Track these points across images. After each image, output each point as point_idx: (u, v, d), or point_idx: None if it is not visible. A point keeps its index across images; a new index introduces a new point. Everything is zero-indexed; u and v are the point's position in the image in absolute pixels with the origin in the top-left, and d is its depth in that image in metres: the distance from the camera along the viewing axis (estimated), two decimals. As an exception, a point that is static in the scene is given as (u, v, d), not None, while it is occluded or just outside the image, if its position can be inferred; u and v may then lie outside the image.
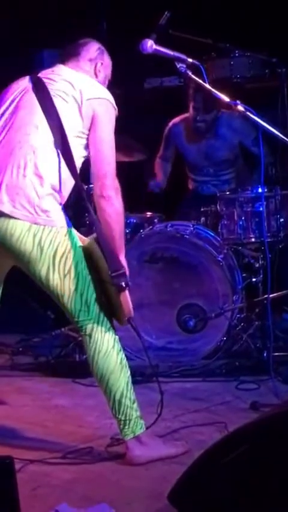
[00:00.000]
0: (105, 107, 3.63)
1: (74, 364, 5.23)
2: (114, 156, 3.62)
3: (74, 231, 3.61)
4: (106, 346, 3.56)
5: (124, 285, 3.50)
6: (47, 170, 3.54)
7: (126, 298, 3.53)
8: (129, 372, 3.62)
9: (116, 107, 3.69)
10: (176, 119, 6.16)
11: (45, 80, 3.68)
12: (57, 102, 3.60)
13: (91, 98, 3.61)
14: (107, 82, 3.89)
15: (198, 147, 6.00)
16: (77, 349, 5.27)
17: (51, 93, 3.62)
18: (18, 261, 3.60)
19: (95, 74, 3.82)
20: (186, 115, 6.06)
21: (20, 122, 3.62)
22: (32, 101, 3.64)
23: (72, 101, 3.59)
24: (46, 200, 3.52)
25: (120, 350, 3.59)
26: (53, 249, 3.50)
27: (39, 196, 3.50)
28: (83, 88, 3.62)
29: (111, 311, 3.62)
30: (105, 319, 3.58)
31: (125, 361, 3.60)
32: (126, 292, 3.52)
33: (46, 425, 4.20)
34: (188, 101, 5.87)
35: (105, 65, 3.88)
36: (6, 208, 3.49)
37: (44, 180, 3.52)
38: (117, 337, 3.61)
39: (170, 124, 6.18)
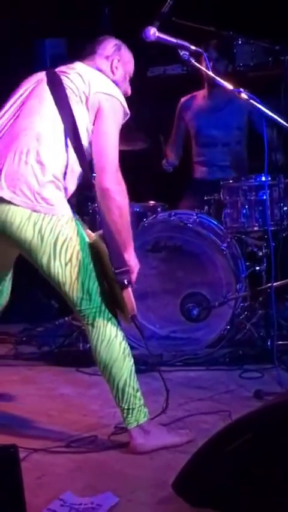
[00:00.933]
0: (111, 103, 3.61)
1: (78, 354, 5.23)
2: (116, 151, 3.57)
3: (81, 224, 3.60)
4: (109, 335, 3.56)
5: (126, 283, 3.49)
6: (50, 158, 3.52)
7: (129, 296, 3.52)
8: (132, 361, 3.61)
9: (126, 108, 3.67)
10: (186, 96, 6.24)
11: (59, 73, 3.69)
12: (69, 94, 3.60)
13: (99, 91, 3.60)
14: (128, 78, 3.89)
15: (209, 110, 6.04)
16: (81, 338, 5.27)
17: (64, 84, 3.62)
18: (20, 248, 3.60)
19: (112, 72, 3.80)
20: (195, 93, 6.16)
21: (28, 110, 3.62)
22: (44, 91, 3.65)
23: (81, 94, 3.59)
24: (47, 188, 3.50)
25: (123, 339, 3.59)
26: (54, 237, 3.48)
27: (40, 183, 3.49)
28: (91, 81, 3.62)
29: (116, 306, 3.62)
30: (107, 308, 3.58)
31: (128, 350, 3.60)
32: (129, 289, 3.51)
33: (50, 414, 4.21)
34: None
35: (124, 61, 3.85)
36: (6, 195, 3.48)
37: (46, 167, 3.50)
38: (120, 326, 3.61)
39: (181, 100, 6.27)
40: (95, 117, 3.60)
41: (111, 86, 3.69)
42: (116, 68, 3.81)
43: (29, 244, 3.51)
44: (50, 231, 3.48)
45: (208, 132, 6.08)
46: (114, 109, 3.62)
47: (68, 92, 3.61)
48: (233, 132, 6.02)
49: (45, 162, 3.51)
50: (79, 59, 3.80)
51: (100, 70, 3.76)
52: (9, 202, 3.48)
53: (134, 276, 3.64)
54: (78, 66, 3.74)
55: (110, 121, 3.58)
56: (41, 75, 3.73)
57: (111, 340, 3.56)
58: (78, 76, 3.64)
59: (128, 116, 3.70)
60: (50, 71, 3.75)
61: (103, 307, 3.56)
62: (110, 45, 3.83)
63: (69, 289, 3.57)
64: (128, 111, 3.68)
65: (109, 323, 3.56)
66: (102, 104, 3.59)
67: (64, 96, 3.59)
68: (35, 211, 3.48)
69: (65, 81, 3.64)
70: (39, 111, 3.60)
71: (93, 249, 3.56)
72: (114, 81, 3.76)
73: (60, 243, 3.49)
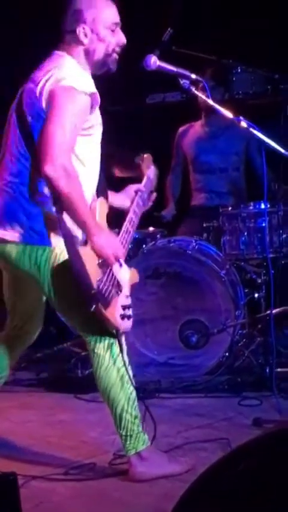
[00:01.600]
0: (57, 92, 3.39)
1: (76, 380, 5.24)
2: (61, 137, 3.31)
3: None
4: (107, 361, 3.55)
5: (93, 310, 3.34)
6: (32, 187, 3.49)
7: (104, 315, 3.41)
8: (132, 388, 3.60)
9: (82, 89, 3.41)
10: (183, 126, 6.28)
11: (25, 89, 3.56)
12: (27, 112, 3.50)
13: (47, 89, 3.42)
14: (113, 27, 3.59)
15: (207, 136, 6.09)
16: (79, 364, 5.28)
17: (24, 103, 3.51)
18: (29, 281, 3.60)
19: (81, 42, 3.56)
20: (193, 123, 6.23)
21: (6, 144, 3.60)
22: (11, 119, 3.59)
23: (38, 109, 3.46)
24: (36, 218, 3.48)
25: (122, 366, 3.58)
26: (49, 269, 3.47)
27: (28, 215, 3.48)
28: (47, 83, 3.44)
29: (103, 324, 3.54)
30: (108, 335, 3.56)
31: (127, 377, 3.59)
32: (102, 311, 3.38)
33: (49, 440, 4.20)
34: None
35: (92, 20, 3.56)
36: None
37: (30, 197, 3.48)
38: (122, 352, 3.59)
39: (179, 130, 6.32)
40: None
41: (61, 75, 3.42)
42: (85, 34, 3.55)
43: (31, 276, 3.53)
44: (45, 262, 3.46)
45: (205, 158, 6.11)
46: (62, 97, 3.38)
47: (27, 110, 3.50)
48: (230, 158, 6.05)
49: (29, 192, 3.48)
50: (56, 46, 3.63)
51: (69, 48, 3.58)
52: (2, 239, 3.50)
53: (119, 255, 3.52)
54: (47, 66, 3.52)
55: (53, 108, 3.36)
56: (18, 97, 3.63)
57: (109, 365, 3.55)
58: (33, 86, 3.48)
59: (94, 93, 3.46)
60: (20, 93, 3.61)
61: (103, 334, 3.56)
62: (69, 17, 3.59)
63: (68, 318, 3.59)
64: (89, 89, 3.44)
65: (109, 349, 3.56)
66: (49, 99, 3.41)
67: (25, 120, 3.49)
68: (27, 243, 3.48)
69: (25, 99, 3.52)
70: (12, 143, 3.55)
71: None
72: (86, 50, 3.58)
73: (55, 274, 3.46)
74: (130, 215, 3.86)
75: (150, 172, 4.19)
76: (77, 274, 3.33)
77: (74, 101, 3.38)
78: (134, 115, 6.99)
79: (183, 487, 2.63)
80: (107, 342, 3.55)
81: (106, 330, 3.52)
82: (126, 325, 3.53)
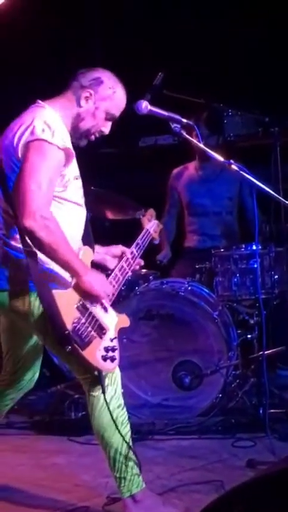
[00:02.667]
0: (32, 147, 3.41)
1: (70, 422, 5.22)
2: (36, 190, 3.33)
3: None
4: (101, 403, 3.55)
5: (68, 350, 3.35)
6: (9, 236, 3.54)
7: (82, 357, 3.42)
8: (126, 429, 3.60)
9: (57, 144, 3.43)
10: (178, 168, 6.30)
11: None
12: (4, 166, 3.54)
13: (23, 144, 3.45)
14: (107, 117, 3.69)
15: (201, 180, 6.10)
16: (73, 406, 5.27)
17: (3, 153, 3.55)
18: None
19: (78, 103, 3.64)
20: (186, 165, 6.21)
21: None
22: None
23: (13, 160, 3.50)
24: (6, 266, 3.53)
25: (117, 407, 3.58)
26: (39, 314, 3.49)
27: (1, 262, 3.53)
28: (19, 137, 3.47)
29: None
30: (103, 377, 3.57)
31: (121, 418, 3.59)
32: (79, 351, 3.39)
33: (42, 484, 4.18)
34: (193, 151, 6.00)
35: (101, 97, 3.66)
36: None
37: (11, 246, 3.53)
38: (116, 394, 3.60)
39: (173, 172, 6.35)
40: None
41: (38, 128, 3.43)
42: (86, 100, 3.64)
43: (20, 324, 3.60)
44: (37, 308, 3.47)
45: (200, 201, 6.15)
46: (35, 151, 3.41)
47: (4, 162, 3.53)
48: (223, 203, 6.09)
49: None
50: (43, 96, 3.67)
51: (65, 100, 3.64)
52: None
53: (108, 292, 3.59)
54: (24, 118, 3.54)
55: (28, 164, 3.39)
56: None
57: (103, 407, 3.55)
58: (16, 136, 3.48)
59: (67, 148, 3.49)
60: None
61: (86, 374, 3.57)
62: (90, 77, 3.68)
63: (62, 361, 3.62)
64: (63, 144, 3.46)
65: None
66: (24, 152, 3.44)
67: (2, 167, 3.53)
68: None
69: (3, 153, 3.55)
70: None
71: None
72: (78, 113, 3.64)
73: (37, 319, 3.49)
74: (115, 272, 3.89)
75: (150, 225, 4.25)
76: (49, 316, 3.36)
77: (47, 155, 3.41)
78: (126, 158, 7.06)
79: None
80: (102, 383, 3.55)
81: (88, 370, 3.52)
82: (108, 366, 3.53)
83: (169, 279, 5.58)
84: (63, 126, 3.59)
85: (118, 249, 4.01)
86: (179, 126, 3.84)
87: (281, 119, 5.32)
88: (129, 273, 3.97)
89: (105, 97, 3.67)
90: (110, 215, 5.16)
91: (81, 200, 3.70)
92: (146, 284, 5.55)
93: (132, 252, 4.01)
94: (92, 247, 3.77)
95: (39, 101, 3.63)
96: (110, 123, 3.73)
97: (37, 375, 3.96)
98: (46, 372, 6.23)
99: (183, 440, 4.91)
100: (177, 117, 3.84)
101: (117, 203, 5.11)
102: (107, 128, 3.73)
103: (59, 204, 3.54)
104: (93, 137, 3.72)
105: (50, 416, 5.40)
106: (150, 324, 5.52)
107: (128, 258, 3.96)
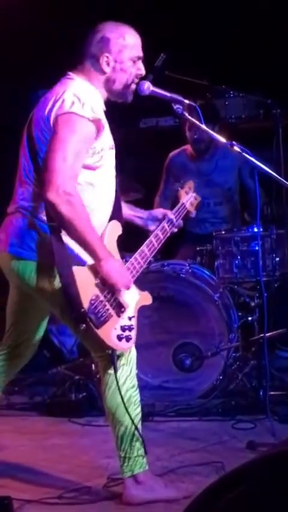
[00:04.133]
0: (61, 121, 3.42)
1: (70, 404, 5.22)
2: (63, 163, 3.33)
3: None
4: (115, 382, 3.55)
5: (82, 328, 3.37)
6: (24, 200, 3.55)
7: (97, 335, 3.42)
8: (138, 410, 3.63)
9: (87, 115, 3.42)
10: (175, 151, 6.22)
11: (33, 119, 3.60)
12: (39, 136, 3.53)
13: (54, 116, 3.45)
14: (135, 61, 3.63)
15: (199, 173, 6.03)
16: (73, 388, 5.27)
17: (34, 127, 3.55)
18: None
19: (102, 70, 3.60)
20: (184, 147, 6.13)
21: (18, 169, 3.65)
22: (23, 143, 3.63)
23: (47, 133, 3.50)
24: (27, 233, 3.52)
25: (131, 387, 3.60)
26: (51, 289, 3.49)
27: (20, 228, 3.53)
28: (54, 109, 3.47)
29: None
30: (119, 356, 3.57)
31: (134, 399, 3.61)
32: (94, 329, 3.39)
33: (43, 464, 4.19)
34: (185, 125, 5.94)
35: (118, 50, 3.61)
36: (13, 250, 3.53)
37: (21, 212, 3.54)
38: (131, 374, 3.61)
39: (170, 155, 6.24)
40: None
41: (68, 101, 3.43)
42: (108, 64, 3.60)
43: (39, 295, 3.58)
44: (58, 283, 3.44)
45: (199, 193, 6.10)
46: (64, 124, 3.41)
47: (36, 134, 3.54)
48: (224, 193, 6.05)
49: (21, 205, 3.55)
50: (73, 67, 3.67)
51: (89, 73, 3.62)
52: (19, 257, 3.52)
53: (125, 283, 3.55)
54: (56, 91, 3.54)
55: (56, 137, 3.40)
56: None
57: (116, 388, 3.56)
58: (47, 108, 3.49)
59: (98, 119, 3.47)
60: (30, 118, 3.63)
61: (100, 352, 3.57)
62: (95, 42, 3.62)
63: (79, 337, 3.63)
64: (94, 116, 3.44)
65: (119, 370, 3.56)
66: (53, 125, 3.44)
67: (32, 140, 3.54)
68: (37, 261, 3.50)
69: (34, 124, 3.55)
70: (21, 162, 3.61)
71: None
72: (106, 79, 3.63)
73: (58, 292, 3.46)
74: (151, 238, 3.88)
75: (187, 199, 4.22)
76: (67, 293, 3.35)
77: (76, 128, 3.41)
78: (127, 139, 7.03)
79: (178, 511, 2.64)
80: (118, 362, 3.56)
81: (102, 349, 3.53)
82: (123, 346, 3.53)
83: (170, 261, 5.56)
84: (97, 96, 3.58)
85: (159, 212, 4.02)
86: (181, 107, 3.83)
87: (283, 101, 5.29)
88: (163, 241, 3.94)
89: (121, 49, 3.62)
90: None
91: (114, 171, 3.69)
92: (147, 266, 5.54)
93: (170, 218, 3.98)
94: (121, 221, 3.74)
95: (70, 73, 3.63)
96: (140, 63, 3.68)
97: (34, 352, 3.95)
98: (46, 354, 6.24)
99: (183, 422, 4.93)
100: (180, 98, 3.82)
101: (118, 185, 5.09)
102: (141, 69, 3.68)
103: (93, 174, 3.53)
104: (134, 86, 3.68)
105: (51, 398, 5.41)
106: (150, 306, 5.49)
107: (164, 226, 3.94)
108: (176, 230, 4.05)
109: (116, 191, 3.71)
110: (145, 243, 3.86)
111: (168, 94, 3.83)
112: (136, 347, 5.22)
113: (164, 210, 4.03)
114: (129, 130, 7.18)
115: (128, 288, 3.58)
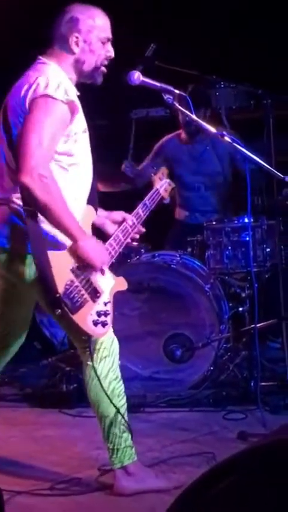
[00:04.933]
0: (35, 105, 3.39)
1: (61, 395, 5.21)
2: (37, 148, 3.30)
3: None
4: (98, 374, 3.55)
5: (57, 313, 3.36)
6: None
7: (72, 321, 3.41)
8: (123, 402, 3.61)
9: (60, 98, 3.39)
10: (169, 135, 6.21)
11: (7, 104, 3.56)
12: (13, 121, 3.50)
13: (27, 102, 3.42)
14: (104, 42, 3.60)
15: (191, 156, 6.03)
16: (64, 379, 5.26)
17: (10, 114, 3.51)
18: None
19: (71, 50, 3.56)
20: (178, 131, 6.13)
21: None
22: None
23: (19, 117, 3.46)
24: (6, 225, 3.50)
25: (113, 379, 3.59)
26: (29, 276, 3.48)
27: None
28: (25, 95, 3.43)
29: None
30: (101, 348, 3.57)
31: (118, 390, 3.60)
32: (69, 314, 3.37)
33: (33, 456, 4.18)
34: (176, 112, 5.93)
35: (87, 30, 3.57)
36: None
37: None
38: (113, 366, 3.60)
39: (163, 139, 6.22)
40: None
41: (42, 85, 3.39)
42: (77, 44, 3.56)
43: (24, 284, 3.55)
44: (34, 270, 3.42)
45: (190, 179, 6.10)
46: (38, 106, 3.38)
47: (11, 120, 3.50)
48: (215, 179, 6.04)
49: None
50: (43, 51, 3.63)
51: (58, 55, 3.58)
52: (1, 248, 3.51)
53: (104, 260, 3.54)
54: (29, 75, 3.51)
55: (30, 120, 3.37)
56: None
57: (101, 378, 3.55)
58: (21, 93, 3.45)
59: (72, 101, 3.44)
60: (4, 105, 3.59)
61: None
62: (64, 23, 3.59)
63: (62, 327, 3.63)
64: (68, 98, 3.41)
65: (101, 362, 3.56)
66: (28, 109, 3.41)
67: (8, 127, 3.50)
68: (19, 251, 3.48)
69: (9, 110, 3.51)
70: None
71: None
72: (76, 59, 3.58)
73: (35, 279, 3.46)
74: (125, 225, 3.86)
75: (160, 184, 4.19)
76: (42, 277, 3.34)
77: (51, 111, 3.38)
78: (117, 129, 7.02)
79: (169, 502, 2.64)
80: (100, 354, 3.55)
81: (79, 335, 3.52)
82: (99, 331, 3.50)
83: (160, 252, 5.56)
84: (68, 79, 3.55)
85: (119, 215, 3.94)
86: (171, 97, 3.82)
87: (273, 92, 5.28)
88: (125, 242, 3.91)
89: (90, 29, 3.59)
90: (100, 187, 5.14)
91: (90, 156, 3.66)
92: (138, 257, 5.53)
93: (132, 221, 3.93)
94: (96, 207, 3.73)
95: (41, 57, 3.59)
96: (109, 45, 3.65)
97: (22, 341, 3.92)
98: (37, 345, 6.24)
99: (174, 413, 4.93)
100: (170, 88, 3.81)
101: (108, 175, 5.09)
102: (110, 51, 3.65)
103: (69, 159, 3.50)
104: (104, 68, 3.65)
105: (42, 389, 5.40)
106: (141, 297, 5.51)
107: (126, 227, 3.90)
108: (137, 237, 4.02)
109: (92, 176, 3.68)
110: (119, 228, 3.85)
111: (158, 84, 3.82)
112: (126, 338, 5.24)
113: (123, 213, 3.96)
114: (120, 121, 7.17)
115: (104, 264, 3.56)
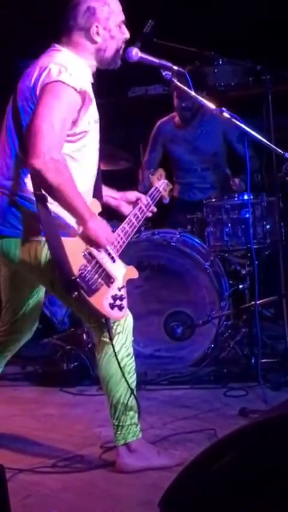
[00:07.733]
0: (47, 90, 3.40)
1: (62, 373, 5.23)
2: (49, 131, 3.31)
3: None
4: (110, 351, 3.56)
5: (74, 296, 3.37)
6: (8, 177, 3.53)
7: (89, 303, 3.42)
8: (133, 379, 3.62)
9: (70, 85, 3.39)
10: (164, 119, 6.21)
11: (18, 89, 3.56)
12: (24, 108, 3.51)
13: (40, 86, 3.43)
14: (120, 26, 3.63)
15: (186, 140, 6.03)
16: (65, 358, 5.27)
17: (19, 99, 3.52)
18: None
19: (92, 41, 3.58)
20: (172, 114, 6.12)
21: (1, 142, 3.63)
22: (7, 113, 3.60)
23: (32, 102, 3.47)
24: (8, 210, 3.52)
25: (126, 356, 3.60)
26: (39, 263, 3.49)
27: (1, 207, 3.52)
28: (41, 79, 3.44)
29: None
30: (115, 324, 3.57)
31: (129, 367, 3.61)
32: (86, 298, 3.39)
33: (35, 434, 4.20)
34: (173, 93, 5.92)
35: (104, 18, 3.59)
36: None
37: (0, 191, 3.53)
38: (126, 343, 3.61)
39: (158, 123, 6.23)
40: None
41: (55, 71, 3.40)
42: (98, 34, 3.58)
43: (27, 270, 3.57)
44: (45, 256, 3.45)
45: (187, 159, 6.10)
46: (50, 92, 3.39)
47: (21, 105, 3.51)
48: (210, 158, 6.04)
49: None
50: (57, 39, 3.63)
51: (77, 45, 3.59)
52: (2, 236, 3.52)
53: (110, 239, 3.56)
54: (37, 63, 3.52)
55: (42, 104, 3.37)
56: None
57: (111, 355, 3.56)
58: (27, 84, 3.48)
59: (85, 91, 3.45)
60: (15, 90, 3.59)
61: (95, 322, 3.57)
62: (81, 14, 3.59)
63: (68, 305, 3.64)
64: (81, 87, 3.42)
65: (114, 338, 3.56)
66: (40, 94, 3.41)
67: (18, 112, 3.51)
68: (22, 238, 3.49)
69: (19, 95, 3.52)
70: (4, 137, 3.58)
71: None
72: (98, 48, 3.60)
73: (47, 264, 3.47)
74: (130, 217, 3.89)
75: (159, 184, 4.22)
76: (57, 261, 3.36)
77: (62, 96, 3.38)
78: (116, 108, 6.99)
79: (171, 478, 2.65)
80: (113, 330, 3.56)
81: (96, 318, 3.53)
82: (116, 314, 3.53)
83: (160, 230, 5.56)
84: (84, 69, 3.57)
85: (133, 194, 3.99)
86: (170, 73, 3.81)
87: (272, 67, 5.24)
88: (142, 221, 3.96)
89: (107, 16, 3.60)
90: (101, 166, 5.12)
91: (97, 146, 3.67)
92: (137, 235, 5.52)
93: (147, 200, 3.99)
94: (101, 199, 3.74)
95: (56, 44, 3.60)
96: (124, 27, 3.67)
97: (35, 327, 3.98)
98: (38, 324, 6.24)
99: (175, 390, 4.94)
100: (169, 64, 3.80)
101: (108, 154, 5.07)
102: (126, 33, 3.68)
103: (78, 148, 3.52)
104: (121, 51, 3.67)
105: (43, 368, 5.41)
106: (141, 275, 5.48)
107: (141, 207, 3.95)
108: (150, 215, 4.06)
109: (98, 168, 3.71)
110: (125, 221, 3.88)
111: (156, 60, 3.81)
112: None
113: (137, 193, 4.02)
114: (118, 99, 7.14)
115: (111, 244, 3.58)
